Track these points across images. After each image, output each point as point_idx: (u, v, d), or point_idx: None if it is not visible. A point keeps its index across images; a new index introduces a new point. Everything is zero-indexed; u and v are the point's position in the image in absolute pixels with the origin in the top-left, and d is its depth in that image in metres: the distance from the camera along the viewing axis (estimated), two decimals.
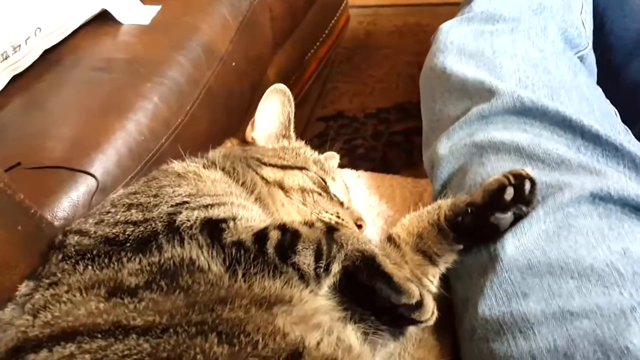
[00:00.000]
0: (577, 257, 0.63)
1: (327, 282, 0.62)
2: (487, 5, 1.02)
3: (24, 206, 0.68)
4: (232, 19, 1.21)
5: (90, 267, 0.60)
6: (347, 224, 0.78)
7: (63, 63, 1.05)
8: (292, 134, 0.92)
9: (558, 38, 0.98)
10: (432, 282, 0.73)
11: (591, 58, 1.06)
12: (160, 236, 0.61)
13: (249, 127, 0.91)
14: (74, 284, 0.58)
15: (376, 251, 0.64)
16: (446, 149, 0.85)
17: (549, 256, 0.64)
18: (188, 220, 0.62)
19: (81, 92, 1.01)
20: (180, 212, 0.63)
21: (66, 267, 0.61)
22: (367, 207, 1.00)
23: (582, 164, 0.73)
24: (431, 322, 0.64)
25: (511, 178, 0.69)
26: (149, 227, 0.62)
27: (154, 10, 1.18)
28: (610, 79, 1.06)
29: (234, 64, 1.18)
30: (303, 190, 0.81)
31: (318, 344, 0.54)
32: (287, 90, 0.90)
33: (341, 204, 0.85)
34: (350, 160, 1.58)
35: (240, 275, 0.58)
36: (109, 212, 0.67)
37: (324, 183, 0.85)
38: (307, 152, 0.90)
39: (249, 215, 0.66)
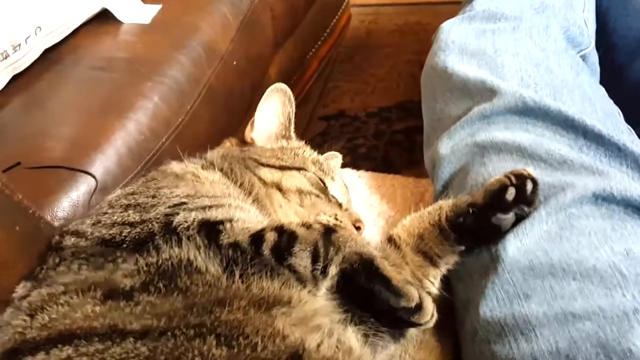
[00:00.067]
0: (579, 258, 0.62)
1: (325, 284, 0.61)
2: (489, 4, 1.01)
3: (22, 206, 0.68)
4: (233, 18, 1.21)
5: (85, 268, 0.59)
6: (345, 226, 0.77)
7: (63, 62, 1.05)
8: (293, 134, 0.91)
9: (560, 37, 0.98)
10: (433, 283, 0.72)
11: (594, 57, 1.06)
12: (157, 237, 0.61)
13: (248, 127, 0.90)
14: (69, 286, 0.57)
15: (374, 254, 0.63)
16: (447, 148, 0.85)
17: (551, 257, 0.64)
18: (185, 222, 0.62)
19: (81, 91, 1.01)
20: (178, 213, 0.63)
21: (62, 268, 0.60)
22: (368, 207, 0.99)
23: (584, 164, 0.72)
24: (431, 324, 0.63)
25: (513, 178, 0.69)
26: (146, 228, 0.62)
27: (154, 9, 1.18)
28: (613, 78, 1.05)
29: (234, 63, 1.17)
30: (301, 191, 0.80)
31: (318, 346, 0.53)
32: (288, 89, 0.89)
33: (339, 205, 0.84)
34: (351, 160, 1.58)
35: (237, 277, 0.58)
36: (106, 212, 0.67)
37: (322, 184, 0.84)
38: (306, 153, 0.89)
39: (246, 217, 0.65)
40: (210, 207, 0.65)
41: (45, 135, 0.88)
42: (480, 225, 0.70)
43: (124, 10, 1.15)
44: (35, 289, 0.59)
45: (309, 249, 0.60)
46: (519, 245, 0.66)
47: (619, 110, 0.90)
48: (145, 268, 0.57)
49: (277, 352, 0.51)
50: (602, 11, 1.10)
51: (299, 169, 0.84)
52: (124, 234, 0.62)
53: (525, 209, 0.69)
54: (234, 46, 1.18)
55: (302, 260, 0.59)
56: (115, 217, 0.65)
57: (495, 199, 0.69)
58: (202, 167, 0.77)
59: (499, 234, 0.69)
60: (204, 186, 0.72)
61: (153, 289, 0.56)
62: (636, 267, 0.60)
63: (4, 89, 0.98)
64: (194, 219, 0.62)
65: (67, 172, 0.82)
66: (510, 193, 0.68)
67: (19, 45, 0.99)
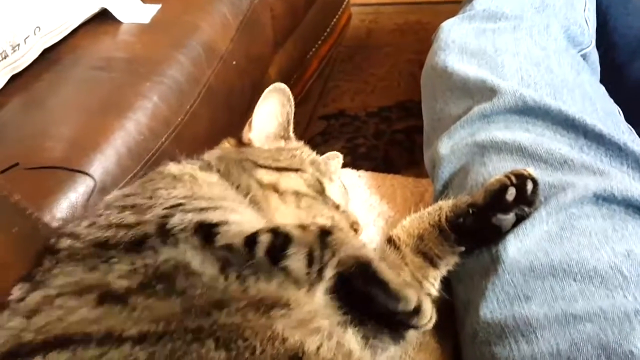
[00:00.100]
0: (580, 259, 0.62)
1: (321, 287, 0.60)
2: (489, 3, 1.01)
3: (19, 207, 0.68)
4: (233, 18, 1.20)
5: (79, 270, 0.59)
6: (343, 229, 0.76)
7: (62, 62, 1.05)
8: (292, 134, 0.90)
9: (561, 36, 0.97)
10: (433, 284, 0.72)
11: (594, 56, 1.05)
12: (152, 239, 0.60)
13: (246, 127, 0.89)
14: (64, 288, 0.57)
15: (371, 256, 0.63)
16: (447, 148, 0.84)
17: (551, 258, 0.63)
18: (181, 223, 0.61)
19: (80, 91, 1.00)
20: (174, 215, 0.62)
21: (56, 271, 0.60)
22: (368, 207, 0.99)
23: (585, 164, 0.72)
24: (430, 326, 0.63)
25: (513, 178, 0.68)
26: (141, 229, 0.61)
27: (154, 9, 1.17)
28: (614, 78, 1.05)
29: (234, 62, 1.17)
30: (297, 193, 0.79)
31: (318, 348, 0.53)
32: (287, 89, 0.88)
33: (337, 207, 0.83)
34: (351, 159, 1.58)
35: (234, 279, 0.57)
36: (102, 214, 0.66)
37: (320, 185, 0.83)
38: (304, 153, 0.87)
39: (242, 220, 0.65)
40: (207, 209, 0.64)
41: (44, 136, 0.88)
42: (480, 225, 0.69)
43: (123, 10, 1.15)
44: (32, 291, 0.59)
45: (304, 251, 0.59)
46: (519, 246, 0.66)
47: (620, 110, 0.89)
48: (142, 270, 0.57)
49: (277, 355, 0.50)
50: (602, 10, 1.10)
51: (296, 170, 0.82)
52: (119, 236, 0.61)
53: (526, 209, 0.68)
54: (233, 46, 1.18)
55: (296, 262, 0.58)
56: (111, 218, 0.65)
57: (495, 199, 0.68)
58: (200, 169, 0.77)
59: (499, 234, 0.68)
60: (201, 188, 0.71)
61: (150, 291, 0.55)
62: (637, 268, 0.60)
63: (2, 89, 0.97)
64: (190, 220, 0.61)
65: (65, 173, 0.82)
66: (511, 193, 0.68)
67: (18, 45, 0.99)
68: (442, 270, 0.73)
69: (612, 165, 0.73)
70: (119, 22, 1.14)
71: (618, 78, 1.08)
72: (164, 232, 0.60)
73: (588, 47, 1.02)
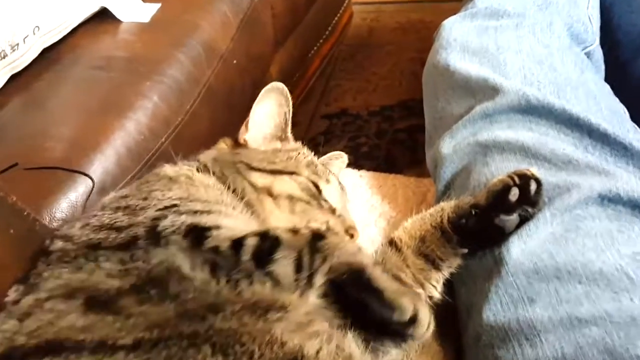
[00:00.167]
0: (585, 261, 0.61)
1: (312, 294, 0.58)
2: (491, 1, 1.00)
3: (16, 208, 0.67)
4: (233, 17, 1.20)
5: (66, 272, 0.58)
6: (337, 234, 0.74)
7: (62, 62, 1.05)
8: (290, 135, 0.88)
9: (564, 34, 0.96)
10: (435, 287, 0.71)
11: (598, 54, 1.04)
12: (142, 240, 0.59)
13: (242, 127, 0.87)
14: (53, 291, 0.56)
15: (366, 262, 0.60)
16: (449, 148, 0.83)
17: (556, 260, 0.62)
18: (172, 225, 0.60)
19: (80, 91, 1.00)
20: (166, 216, 0.61)
21: (47, 274, 0.59)
22: (369, 207, 0.98)
23: (590, 164, 0.71)
24: (427, 337, 0.61)
25: (516, 178, 0.67)
26: (132, 231, 0.60)
27: (153, 8, 1.17)
28: (618, 76, 1.04)
29: (235, 61, 1.17)
30: (291, 197, 0.77)
31: (317, 352, 0.52)
32: (285, 88, 0.86)
33: (333, 211, 0.81)
34: (354, 159, 1.57)
35: (224, 283, 0.56)
36: (95, 215, 0.66)
37: (315, 188, 0.81)
38: (301, 155, 0.85)
39: (235, 225, 0.63)
40: (201, 212, 0.63)
41: (44, 135, 0.88)
42: (483, 226, 0.68)
43: (123, 9, 1.14)
44: (26, 293, 0.58)
45: (292, 256, 0.57)
46: (523, 248, 0.65)
47: (624, 108, 0.88)
48: (135, 272, 0.56)
49: (275, 359, 0.50)
50: (606, 7, 1.09)
51: (290, 173, 0.80)
52: (110, 239, 0.60)
53: (529, 210, 0.67)
54: (234, 45, 1.17)
55: (283, 267, 0.57)
56: (104, 219, 0.64)
57: (498, 199, 0.67)
58: (198, 170, 0.76)
59: (503, 236, 0.67)
60: (198, 190, 0.70)
61: (144, 297, 0.54)
62: None
63: (2, 88, 0.97)
64: (183, 222, 0.60)
65: (65, 173, 0.82)
66: (514, 194, 0.67)
67: (17, 44, 0.98)
68: (445, 273, 0.72)
69: (617, 165, 0.72)
70: (118, 21, 1.13)
71: (622, 76, 1.07)
72: (155, 235, 0.59)
73: (592, 44, 1.01)
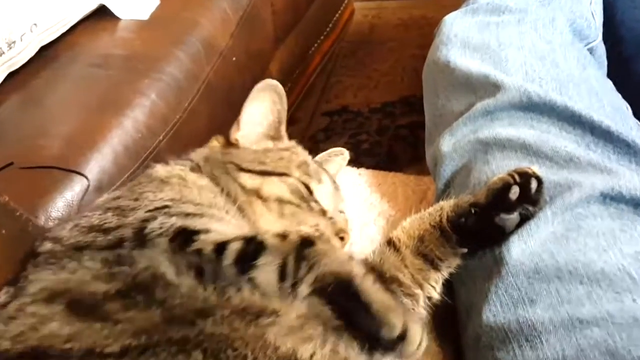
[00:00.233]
0: (586, 260, 0.60)
1: (297, 303, 0.55)
2: None
3: (8, 208, 0.66)
4: (233, 13, 1.19)
5: (50, 272, 0.57)
6: (327, 239, 0.72)
7: (60, 59, 1.04)
8: (284, 133, 0.86)
9: (566, 29, 0.95)
10: (434, 287, 0.70)
11: (601, 50, 1.03)
12: (128, 242, 0.58)
13: (234, 126, 0.84)
14: (36, 295, 0.55)
15: (354, 273, 0.57)
16: (449, 145, 0.82)
17: (557, 260, 0.61)
18: (160, 227, 0.59)
19: (78, 88, 1.00)
20: (156, 218, 0.60)
21: (32, 277, 0.58)
22: (369, 206, 0.97)
23: (592, 161, 0.70)
24: (419, 354, 0.57)
25: (516, 176, 0.66)
26: (119, 233, 0.59)
27: (152, 5, 1.17)
28: (621, 72, 1.03)
29: (234, 58, 1.16)
30: (280, 200, 0.76)
31: (311, 356, 0.51)
32: (279, 86, 0.83)
33: (324, 213, 0.79)
34: (355, 156, 1.56)
35: (211, 287, 0.54)
36: (85, 215, 0.65)
37: (306, 190, 0.79)
38: (293, 154, 0.83)
39: (226, 230, 0.62)
40: (193, 215, 0.62)
41: (41, 134, 0.87)
42: (483, 226, 0.67)
43: (122, 6, 1.14)
44: (14, 296, 0.57)
45: (276, 262, 0.55)
46: (523, 247, 0.63)
47: (627, 105, 0.87)
48: (121, 276, 0.55)
49: None
50: (609, 3, 1.08)
51: (280, 174, 0.78)
52: (98, 241, 0.59)
53: (530, 208, 0.66)
54: (233, 41, 1.17)
55: (266, 274, 0.54)
56: (93, 220, 0.63)
57: (498, 198, 0.66)
58: (191, 169, 0.75)
59: (503, 235, 0.66)
60: (191, 191, 0.69)
61: (129, 302, 0.53)
62: None
63: None
64: (172, 224, 0.59)
65: (61, 172, 0.81)
66: (514, 192, 0.65)
67: (14, 42, 0.98)
68: (444, 273, 0.70)
69: (620, 163, 0.71)
70: (117, 19, 1.13)
71: (625, 72, 1.06)
72: (141, 237, 0.58)
73: (594, 40, 1.00)
